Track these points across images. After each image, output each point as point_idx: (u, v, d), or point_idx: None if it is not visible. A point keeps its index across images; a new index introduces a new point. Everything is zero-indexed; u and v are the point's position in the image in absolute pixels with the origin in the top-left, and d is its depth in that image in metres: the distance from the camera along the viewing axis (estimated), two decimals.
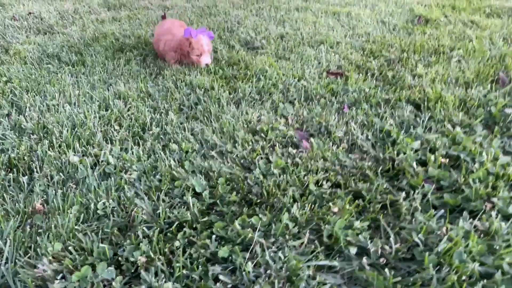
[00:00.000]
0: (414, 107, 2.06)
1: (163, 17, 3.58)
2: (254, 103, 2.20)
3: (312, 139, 1.82)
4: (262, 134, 1.88)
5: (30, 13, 3.76)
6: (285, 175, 1.57)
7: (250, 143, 1.81)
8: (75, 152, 1.78)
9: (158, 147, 1.81)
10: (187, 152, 1.79)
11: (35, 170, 1.67)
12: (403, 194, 1.43)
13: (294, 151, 1.75)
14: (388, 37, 3.00)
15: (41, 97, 2.24)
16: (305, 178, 1.55)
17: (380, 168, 1.60)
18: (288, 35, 3.10)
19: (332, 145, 1.78)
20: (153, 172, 1.65)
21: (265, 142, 1.81)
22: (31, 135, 1.91)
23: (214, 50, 2.88)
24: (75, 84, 2.40)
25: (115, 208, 1.45)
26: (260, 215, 1.37)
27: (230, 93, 2.27)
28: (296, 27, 3.26)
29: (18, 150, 1.77)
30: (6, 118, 2.05)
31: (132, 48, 2.93)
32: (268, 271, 1.16)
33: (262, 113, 2.08)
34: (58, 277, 1.17)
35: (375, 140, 1.82)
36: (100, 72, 2.53)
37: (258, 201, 1.46)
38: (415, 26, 3.23)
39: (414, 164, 1.58)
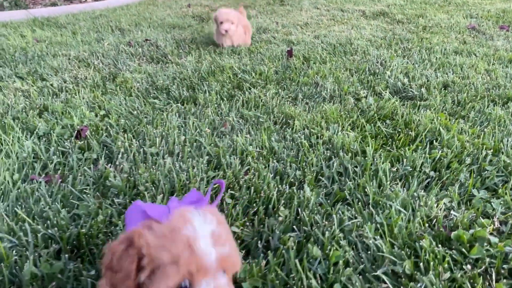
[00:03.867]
0: None
1: (289, 53, 3.03)
2: (429, 182, 1.45)
3: None
4: (462, 248, 1.12)
5: (146, 40, 3.48)
6: None
7: (446, 264, 1.06)
8: None
9: (291, 247, 1.14)
10: (336, 263, 1.09)
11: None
12: None
13: None
14: None
15: (138, 141, 1.74)
16: None
17: None
18: (455, 84, 2.32)
19: None
20: None
21: (470, 266, 1.05)
22: (115, 197, 1.38)
23: (356, 97, 2.20)
24: (182, 127, 1.88)
25: None
26: None
27: (392, 164, 1.55)
28: (464, 75, 2.46)
29: (93, 221, 1.23)
30: (92, 165, 1.57)
31: (251, 86, 2.38)
32: None
33: (447, 203, 1.33)
34: None
35: None
36: (213, 114, 1.99)
37: None
38: None
39: None
